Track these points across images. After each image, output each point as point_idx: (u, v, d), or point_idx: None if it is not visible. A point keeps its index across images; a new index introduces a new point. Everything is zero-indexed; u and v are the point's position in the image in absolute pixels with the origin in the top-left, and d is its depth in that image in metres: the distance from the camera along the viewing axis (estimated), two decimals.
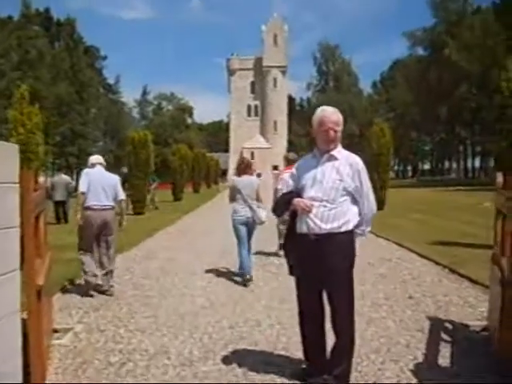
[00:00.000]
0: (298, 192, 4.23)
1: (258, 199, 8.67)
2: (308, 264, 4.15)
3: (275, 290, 7.80)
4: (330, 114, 4.12)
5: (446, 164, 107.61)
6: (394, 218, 18.38)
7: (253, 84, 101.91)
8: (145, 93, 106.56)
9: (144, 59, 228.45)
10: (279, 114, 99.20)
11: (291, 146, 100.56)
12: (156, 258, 10.85)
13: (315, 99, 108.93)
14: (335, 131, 4.09)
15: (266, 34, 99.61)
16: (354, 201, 4.17)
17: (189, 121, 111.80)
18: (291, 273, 4.41)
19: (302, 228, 4.14)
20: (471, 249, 10.97)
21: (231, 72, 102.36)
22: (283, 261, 4.90)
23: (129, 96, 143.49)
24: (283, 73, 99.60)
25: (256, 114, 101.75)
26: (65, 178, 20.48)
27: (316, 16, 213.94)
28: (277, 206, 4.46)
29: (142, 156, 22.05)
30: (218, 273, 9.30)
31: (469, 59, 53.91)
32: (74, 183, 21.44)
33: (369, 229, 4.31)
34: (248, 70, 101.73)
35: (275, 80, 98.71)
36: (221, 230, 15.65)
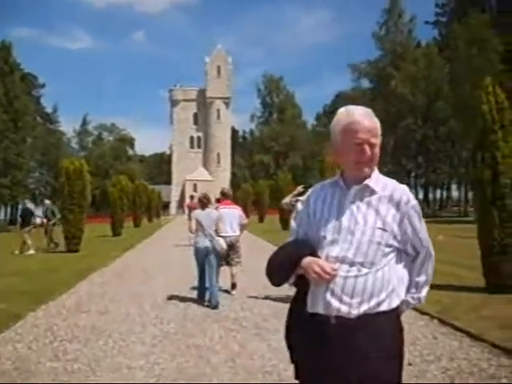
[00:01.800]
0: (309, 246, 2.53)
1: (217, 231, 9.54)
2: (326, 367, 2.41)
3: (239, 359, 6.10)
4: (361, 118, 2.46)
5: None
6: None
7: (196, 115, 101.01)
8: (85, 123, 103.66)
9: (85, 90, 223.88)
10: (222, 146, 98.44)
11: (234, 178, 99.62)
12: (87, 311, 8.97)
13: (258, 131, 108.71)
14: (372, 145, 2.45)
15: (210, 66, 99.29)
16: (400, 258, 2.52)
17: (130, 152, 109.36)
18: (297, 377, 2.61)
19: (316, 306, 2.42)
20: (451, 292, 9.67)
21: (174, 103, 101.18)
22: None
23: (68, 126, 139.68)
24: (227, 104, 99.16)
25: (199, 146, 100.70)
26: None
27: (259, 51, 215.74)
28: (273, 268, 2.67)
29: (77, 187, 20.04)
30: (163, 332, 7.47)
31: (413, 92, 54.44)
32: None
33: (425, 293, 2.62)
34: (191, 101, 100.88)
35: (218, 111, 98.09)
36: (165, 270, 13.92)
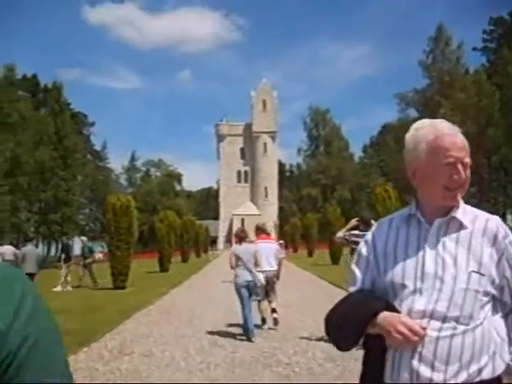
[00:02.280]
0: (383, 298, 1.92)
1: (256, 264, 9.60)
2: None
3: None
4: (452, 132, 1.93)
5: None
6: None
7: (242, 150, 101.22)
8: (133, 159, 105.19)
9: (132, 128, 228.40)
10: (269, 179, 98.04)
11: (282, 212, 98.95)
12: (130, 354, 8.49)
13: (305, 164, 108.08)
14: (465, 166, 1.88)
15: (255, 100, 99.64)
16: (496, 309, 1.89)
17: (177, 188, 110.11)
18: None
19: (399, 376, 1.80)
20: None
21: (220, 138, 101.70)
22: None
23: (117, 163, 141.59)
24: (273, 138, 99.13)
25: (246, 181, 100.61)
26: (34, 249, 18.37)
27: (302, 86, 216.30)
28: (338, 328, 1.99)
29: (124, 224, 19.83)
30: (210, 378, 6.90)
31: (464, 120, 53.24)
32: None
33: None
34: (237, 135, 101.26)
35: (265, 145, 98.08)
36: (212, 309, 13.41)
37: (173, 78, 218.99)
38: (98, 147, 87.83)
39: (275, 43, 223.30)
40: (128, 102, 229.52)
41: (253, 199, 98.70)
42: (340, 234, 8.82)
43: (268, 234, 11.23)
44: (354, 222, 8.91)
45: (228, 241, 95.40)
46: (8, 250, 17.25)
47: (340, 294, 2.06)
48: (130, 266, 20.40)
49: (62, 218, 52.41)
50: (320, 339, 9.00)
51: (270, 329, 10.28)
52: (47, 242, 67.53)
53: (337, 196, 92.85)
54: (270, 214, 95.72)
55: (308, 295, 16.44)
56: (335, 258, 33.12)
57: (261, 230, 10.81)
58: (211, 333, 10.08)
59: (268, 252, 10.38)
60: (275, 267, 10.51)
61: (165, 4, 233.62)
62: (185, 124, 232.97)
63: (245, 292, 9.48)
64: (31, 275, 17.26)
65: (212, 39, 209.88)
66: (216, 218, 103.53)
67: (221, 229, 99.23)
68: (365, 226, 8.52)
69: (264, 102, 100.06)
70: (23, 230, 44.33)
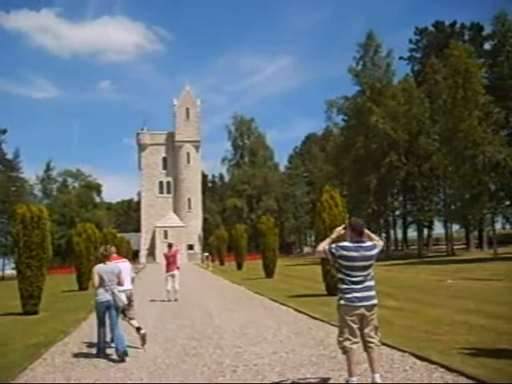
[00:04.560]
0: None
1: (119, 283, 9.66)
2: None
3: None
4: None
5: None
6: None
7: (165, 160, 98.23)
8: (48, 169, 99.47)
9: (49, 138, 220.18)
10: (193, 190, 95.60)
11: (206, 224, 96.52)
12: None
13: (230, 174, 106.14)
14: None
15: (178, 108, 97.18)
16: None
17: (97, 199, 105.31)
18: None
19: None
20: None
21: (142, 147, 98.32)
22: None
23: (31, 173, 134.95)
24: (196, 148, 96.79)
25: (168, 191, 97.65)
26: None
27: (223, 98, 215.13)
28: None
29: (36, 238, 16.86)
30: None
31: (394, 127, 52.71)
32: None
33: None
34: (159, 145, 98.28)
35: (188, 155, 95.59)
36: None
37: (93, 88, 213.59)
38: (9, 156, 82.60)
39: (196, 55, 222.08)
40: (45, 112, 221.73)
41: (176, 210, 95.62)
42: (323, 245, 6.62)
43: (118, 254, 11.11)
44: (340, 229, 6.74)
45: (150, 254, 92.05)
46: None
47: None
48: (42, 288, 17.38)
49: None
50: None
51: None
52: None
53: (263, 206, 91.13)
54: (194, 226, 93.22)
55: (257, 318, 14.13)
56: (269, 272, 31.05)
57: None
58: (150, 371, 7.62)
59: (126, 271, 10.43)
60: (131, 286, 10.75)
61: (85, 13, 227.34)
62: (104, 135, 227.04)
63: (104, 312, 9.53)
64: None
65: (133, 49, 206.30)
66: (137, 230, 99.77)
67: (143, 241, 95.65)
68: (356, 235, 6.41)
69: (187, 111, 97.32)
70: None
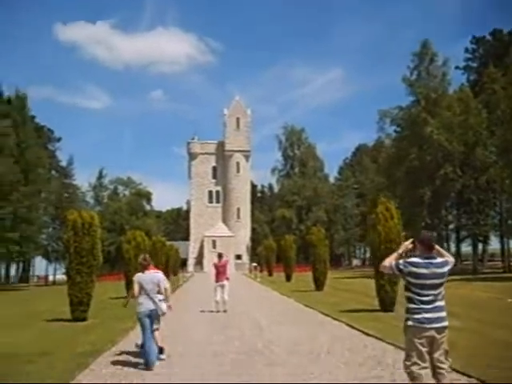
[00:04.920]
0: None
1: (159, 292, 9.78)
2: None
3: None
4: None
5: None
6: None
7: (214, 169, 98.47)
8: (100, 176, 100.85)
9: (101, 147, 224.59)
10: (242, 200, 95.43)
11: (254, 234, 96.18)
12: None
13: (280, 184, 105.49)
14: None
15: (229, 118, 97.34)
16: None
17: (147, 207, 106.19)
18: None
19: None
20: None
21: (192, 156, 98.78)
22: None
23: (83, 181, 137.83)
24: (246, 157, 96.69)
25: (218, 201, 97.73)
26: None
27: (273, 109, 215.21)
28: None
29: (86, 244, 16.78)
30: None
31: (449, 139, 51.26)
32: None
33: None
34: (210, 154, 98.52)
35: (238, 165, 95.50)
36: (196, 348, 10.52)
37: (144, 98, 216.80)
38: (64, 163, 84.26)
39: (247, 66, 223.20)
40: (98, 121, 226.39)
41: (225, 220, 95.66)
42: (390, 260, 6.14)
43: (155, 265, 10.94)
44: (408, 244, 6.23)
45: (198, 263, 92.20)
46: None
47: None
48: (91, 295, 17.30)
49: (21, 237, 48.78)
50: None
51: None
52: (5, 261, 63.74)
53: (312, 217, 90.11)
54: (242, 236, 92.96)
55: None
56: (319, 285, 30.42)
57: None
58: None
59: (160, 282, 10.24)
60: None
61: (139, 25, 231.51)
62: (155, 144, 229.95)
63: (147, 321, 9.64)
64: None
65: (185, 60, 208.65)
66: (185, 239, 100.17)
67: (191, 250, 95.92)
68: (426, 250, 5.92)
69: (237, 120, 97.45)
70: None
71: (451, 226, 62.63)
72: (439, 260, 5.92)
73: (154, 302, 9.60)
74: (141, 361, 9.82)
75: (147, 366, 9.23)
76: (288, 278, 44.56)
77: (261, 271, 56.10)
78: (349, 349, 10.68)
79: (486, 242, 67.24)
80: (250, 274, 60.42)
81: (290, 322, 15.90)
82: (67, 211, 19.18)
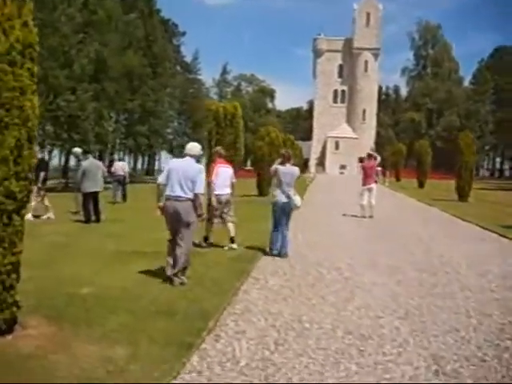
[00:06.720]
0: None
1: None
2: None
3: None
4: None
5: None
6: None
7: (341, 67, 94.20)
8: (224, 72, 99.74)
9: (223, 43, 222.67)
10: (369, 101, 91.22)
11: (379, 137, 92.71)
12: None
13: (410, 85, 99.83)
14: None
15: (358, 13, 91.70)
16: None
17: (269, 105, 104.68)
18: None
19: None
20: None
21: (318, 53, 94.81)
22: None
23: (207, 77, 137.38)
24: (375, 56, 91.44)
25: (342, 101, 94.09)
26: (96, 162, 15.17)
27: (402, 4, 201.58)
28: None
29: (229, 137, 15.25)
30: None
31: None
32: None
33: None
34: (336, 51, 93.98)
35: (366, 64, 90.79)
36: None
37: None
38: (188, 59, 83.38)
39: None
40: (220, 17, 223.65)
41: (349, 121, 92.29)
42: None
43: (225, 159, 10.81)
44: None
45: (320, 163, 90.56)
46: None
47: None
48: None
49: (149, 131, 48.92)
50: None
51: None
52: (133, 155, 65.13)
53: (443, 122, 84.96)
54: (366, 138, 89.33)
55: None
56: (464, 195, 27.68)
57: (218, 155, 10.58)
58: None
59: (226, 176, 10.35)
60: (230, 190, 10.47)
61: None
62: (277, 42, 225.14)
63: (280, 213, 9.72)
64: (94, 194, 13.94)
65: None
66: (305, 139, 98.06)
67: (313, 150, 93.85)
68: None
69: (368, 16, 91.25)
70: (107, 141, 40.98)
71: None
72: None
73: (287, 195, 9.61)
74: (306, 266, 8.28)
75: (283, 254, 9.63)
76: (421, 185, 42.11)
77: (387, 176, 53.66)
78: None
79: None
80: (375, 178, 58.09)
81: (451, 236, 13.83)
82: (193, 107, 17.86)
